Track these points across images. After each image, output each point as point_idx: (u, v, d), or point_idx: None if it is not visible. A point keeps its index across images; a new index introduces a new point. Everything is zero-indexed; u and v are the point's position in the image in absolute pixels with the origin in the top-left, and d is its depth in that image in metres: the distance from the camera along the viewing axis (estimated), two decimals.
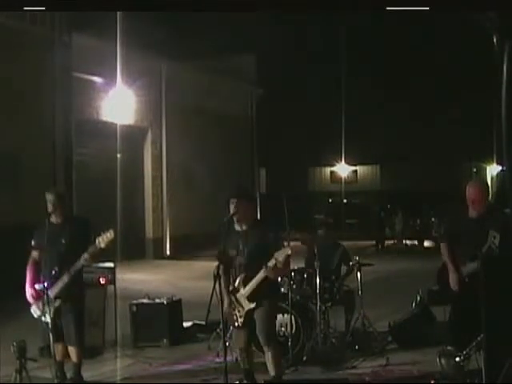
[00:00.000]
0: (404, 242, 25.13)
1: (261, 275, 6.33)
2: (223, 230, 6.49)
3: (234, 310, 6.52)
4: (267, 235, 6.45)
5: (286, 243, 6.38)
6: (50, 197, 6.84)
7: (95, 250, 6.60)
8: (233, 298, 6.52)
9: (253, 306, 6.42)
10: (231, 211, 6.48)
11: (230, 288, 6.56)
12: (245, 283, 6.45)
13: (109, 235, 6.58)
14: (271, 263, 6.26)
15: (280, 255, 6.22)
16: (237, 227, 6.59)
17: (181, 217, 21.29)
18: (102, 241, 6.57)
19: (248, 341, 6.60)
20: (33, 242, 6.94)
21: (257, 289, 6.39)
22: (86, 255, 6.58)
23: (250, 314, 6.48)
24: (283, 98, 35.52)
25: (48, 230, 6.58)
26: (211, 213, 19.68)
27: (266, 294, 6.43)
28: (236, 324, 6.58)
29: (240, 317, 6.50)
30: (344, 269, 8.79)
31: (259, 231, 6.51)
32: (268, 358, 6.54)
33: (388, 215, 26.42)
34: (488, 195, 6.75)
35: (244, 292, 6.46)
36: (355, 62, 34.43)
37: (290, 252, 6.25)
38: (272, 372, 6.56)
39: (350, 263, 8.71)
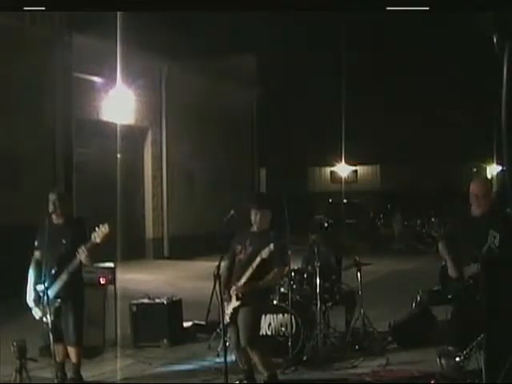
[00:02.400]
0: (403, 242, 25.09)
1: (248, 272, 6.39)
2: (233, 229, 6.60)
3: (226, 305, 6.56)
4: (270, 235, 6.51)
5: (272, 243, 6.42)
6: (53, 197, 6.84)
7: (91, 245, 6.60)
8: (227, 294, 6.56)
9: (237, 304, 6.45)
10: (252, 219, 6.64)
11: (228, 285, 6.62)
12: (237, 280, 6.52)
13: (104, 229, 6.58)
14: (255, 263, 6.32)
15: (265, 252, 6.27)
16: (253, 229, 6.74)
17: (181, 217, 21.27)
18: (98, 236, 6.58)
19: (237, 340, 6.62)
20: (36, 243, 6.95)
21: (244, 287, 6.42)
22: (81, 250, 6.58)
23: (236, 313, 6.50)
24: (283, 98, 35.48)
25: (49, 230, 6.59)
26: (211, 213, 19.72)
27: (251, 296, 6.45)
28: (225, 322, 6.60)
29: (227, 314, 6.53)
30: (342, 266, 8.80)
31: (265, 232, 6.63)
32: (254, 359, 6.56)
33: (387, 216, 26.41)
34: (491, 192, 6.75)
35: (234, 289, 6.50)
36: (355, 62, 34.38)
37: (272, 249, 6.27)
38: (264, 372, 6.57)
39: (345, 260, 8.74)
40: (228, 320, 6.54)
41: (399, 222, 25.86)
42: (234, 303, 6.49)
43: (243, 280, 6.44)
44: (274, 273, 6.55)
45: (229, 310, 6.53)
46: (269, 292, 7.14)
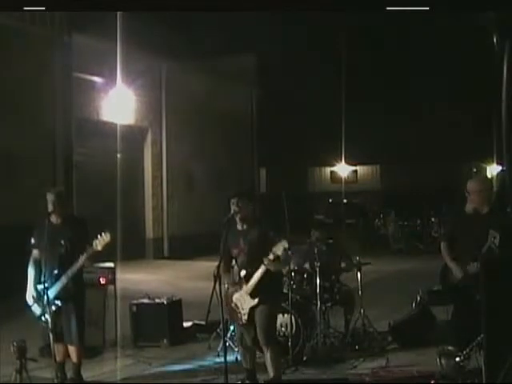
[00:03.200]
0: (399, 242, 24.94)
1: (261, 269, 6.36)
2: (224, 230, 6.53)
3: (238, 308, 6.54)
4: (267, 233, 6.49)
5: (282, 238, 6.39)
6: (50, 197, 6.84)
7: (92, 252, 6.63)
8: (236, 296, 6.54)
9: (255, 302, 6.44)
10: (232, 211, 6.53)
11: (233, 286, 6.59)
12: (247, 280, 6.48)
13: (105, 238, 6.62)
14: (270, 257, 6.30)
15: (278, 249, 6.25)
16: (238, 226, 6.64)
17: (181, 217, 21.28)
18: (99, 243, 6.61)
19: (253, 339, 6.60)
20: (32, 241, 6.94)
21: (258, 285, 6.41)
22: (83, 257, 6.60)
23: (253, 311, 6.49)
24: (283, 98, 35.47)
25: (48, 230, 6.59)
26: (211, 213, 19.72)
27: (267, 293, 6.45)
28: (240, 322, 6.59)
29: (244, 314, 6.51)
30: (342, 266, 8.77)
31: (259, 229, 6.56)
32: (267, 358, 6.54)
33: (385, 216, 26.35)
34: (487, 190, 6.73)
35: (246, 288, 6.48)
36: (355, 62, 34.39)
37: (287, 245, 6.27)
38: (271, 372, 6.55)
39: (348, 262, 8.71)
40: (246, 319, 6.53)
41: (393, 222, 25.76)
42: (251, 302, 6.47)
43: (256, 278, 6.42)
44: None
45: (246, 309, 6.52)
46: (280, 290, 7.15)
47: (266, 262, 6.32)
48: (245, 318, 6.53)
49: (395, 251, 23.49)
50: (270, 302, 6.52)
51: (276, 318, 6.93)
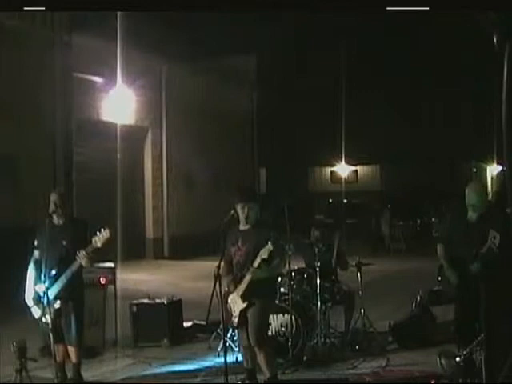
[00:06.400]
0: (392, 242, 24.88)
1: (248, 277, 6.36)
2: (225, 230, 6.53)
3: (231, 309, 6.54)
4: (267, 234, 6.47)
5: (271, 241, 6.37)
6: (54, 197, 6.84)
7: (92, 249, 6.61)
8: (230, 298, 6.54)
9: (244, 305, 6.43)
10: (240, 214, 6.50)
11: (230, 287, 6.59)
12: (240, 282, 6.48)
13: (105, 234, 6.60)
14: (256, 263, 6.29)
15: (264, 252, 6.24)
16: (241, 226, 6.64)
17: (181, 217, 21.28)
18: (99, 240, 6.59)
19: (247, 340, 6.60)
20: (35, 242, 6.94)
21: (248, 289, 6.40)
22: (81, 254, 6.58)
23: (244, 314, 6.48)
24: (283, 98, 35.49)
25: (49, 230, 6.59)
26: (211, 213, 19.72)
27: (258, 294, 6.43)
28: (232, 324, 6.59)
29: (235, 317, 6.51)
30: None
31: (260, 231, 6.54)
32: (260, 359, 6.52)
33: (383, 215, 26.36)
34: (487, 197, 6.76)
35: (237, 291, 6.48)
36: (355, 61, 34.40)
37: (271, 248, 6.25)
38: (266, 373, 6.54)
39: (348, 263, 8.71)
40: (237, 322, 6.53)
41: (387, 222, 25.74)
42: (241, 305, 6.46)
43: (246, 281, 6.41)
44: (277, 262, 6.51)
45: (236, 312, 6.51)
46: (274, 290, 7.13)
47: (251, 269, 6.33)
48: (235, 320, 6.52)
49: (394, 251, 23.47)
50: (261, 304, 6.49)
51: (268, 320, 6.88)
